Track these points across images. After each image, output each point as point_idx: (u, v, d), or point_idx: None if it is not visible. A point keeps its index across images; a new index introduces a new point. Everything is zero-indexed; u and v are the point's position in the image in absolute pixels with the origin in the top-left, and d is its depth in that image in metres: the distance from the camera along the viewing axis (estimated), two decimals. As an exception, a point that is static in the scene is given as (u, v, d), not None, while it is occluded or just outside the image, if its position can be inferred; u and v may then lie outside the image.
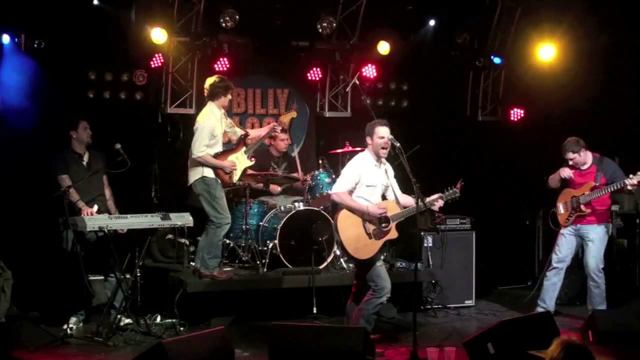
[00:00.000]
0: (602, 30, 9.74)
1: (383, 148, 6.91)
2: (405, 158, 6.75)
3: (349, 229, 6.83)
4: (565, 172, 8.25)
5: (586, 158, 8.26)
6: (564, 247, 8.35)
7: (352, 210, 6.84)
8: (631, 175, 7.89)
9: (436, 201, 6.94)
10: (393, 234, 6.93)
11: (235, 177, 8.04)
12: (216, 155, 7.91)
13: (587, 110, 9.92)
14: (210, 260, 7.90)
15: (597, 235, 8.22)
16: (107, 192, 8.16)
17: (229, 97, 8.05)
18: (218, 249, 7.96)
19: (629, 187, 7.93)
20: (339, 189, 6.92)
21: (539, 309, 8.21)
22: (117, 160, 7.96)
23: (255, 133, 8.44)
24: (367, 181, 6.91)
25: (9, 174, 8.55)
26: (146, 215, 7.64)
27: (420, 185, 6.73)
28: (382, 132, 6.91)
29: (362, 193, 6.92)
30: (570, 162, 8.26)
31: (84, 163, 7.98)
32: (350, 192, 6.90)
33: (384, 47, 9.83)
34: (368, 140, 6.98)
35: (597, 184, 8.14)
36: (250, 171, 9.18)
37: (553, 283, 8.37)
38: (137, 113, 9.51)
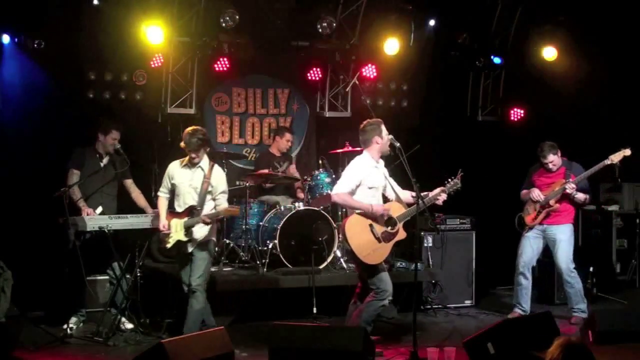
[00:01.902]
0: (601, 29, 9.75)
1: (385, 148, 6.94)
2: (405, 158, 6.75)
3: (357, 235, 6.79)
4: (535, 194, 8.30)
5: (559, 160, 8.34)
6: (528, 250, 8.40)
7: (355, 209, 6.81)
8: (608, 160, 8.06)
9: (439, 195, 6.94)
10: (401, 235, 6.93)
11: (169, 243, 7.16)
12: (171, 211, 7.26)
13: (587, 110, 9.92)
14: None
15: (564, 236, 8.27)
16: (141, 198, 8.09)
17: (191, 153, 7.07)
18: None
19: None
20: (339, 190, 6.88)
21: (519, 311, 8.33)
22: (117, 160, 7.98)
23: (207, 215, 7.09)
24: (369, 183, 6.89)
25: (9, 173, 8.55)
26: (146, 215, 7.67)
27: (420, 185, 6.75)
28: (386, 131, 6.95)
29: (363, 196, 6.88)
30: (551, 165, 8.29)
31: (102, 164, 7.96)
32: (351, 193, 6.89)
33: (392, 47, 9.80)
34: (376, 139, 6.91)
35: (567, 181, 8.16)
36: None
37: (525, 287, 8.42)
38: (137, 113, 9.50)
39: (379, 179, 6.96)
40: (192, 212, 7.05)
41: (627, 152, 8.07)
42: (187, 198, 7.12)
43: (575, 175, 8.19)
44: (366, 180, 6.87)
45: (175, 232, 7.07)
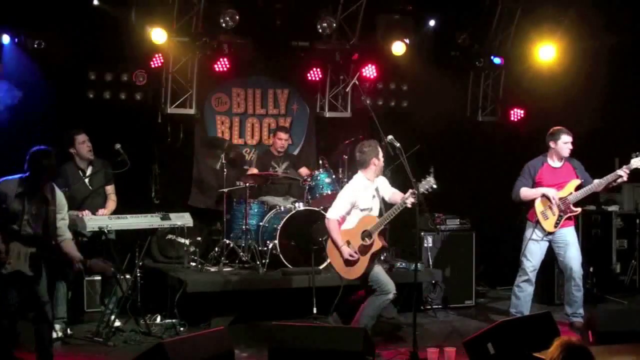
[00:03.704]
0: (603, 29, 9.74)
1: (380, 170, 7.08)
2: (405, 158, 6.75)
3: (337, 256, 7.04)
4: (551, 193, 7.80)
5: None
6: (538, 254, 7.98)
7: (333, 241, 7.02)
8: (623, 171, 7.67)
9: (407, 199, 6.80)
10: (377, 245, 7.00)
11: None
12: None
13: (587, 111, 9.92)
14: None
15: (574, 238, 7.98)
16: (109, 204, 7.98)
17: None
18: None
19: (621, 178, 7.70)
20: (332, 216, 7.06)
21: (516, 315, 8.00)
22: (117, 161, 7.96)
23: None
24: (361, 205, 7.02)
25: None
26: (146, 216, 7.67)
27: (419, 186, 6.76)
28: (380, 155, 7.04)
29: (356, 218, 7.03)
30: (569, 148, 7.85)
31: (86, 180, 7.89)
32: (345, 215, 7.05)
33: (398, 47, 9.78)
34: (374, 161, 7.00)
35: (582, 181, 7.87)
36: (251, 172, 9.21)
37: (529, 294, 8.05)
38: (137, 113, 9.51)
39: (369, 200, 7.05)
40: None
41: None
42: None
43: (579, 172, 7.93)
44: (358, 203, 7.01)
45: (17, 259, 6.09)
